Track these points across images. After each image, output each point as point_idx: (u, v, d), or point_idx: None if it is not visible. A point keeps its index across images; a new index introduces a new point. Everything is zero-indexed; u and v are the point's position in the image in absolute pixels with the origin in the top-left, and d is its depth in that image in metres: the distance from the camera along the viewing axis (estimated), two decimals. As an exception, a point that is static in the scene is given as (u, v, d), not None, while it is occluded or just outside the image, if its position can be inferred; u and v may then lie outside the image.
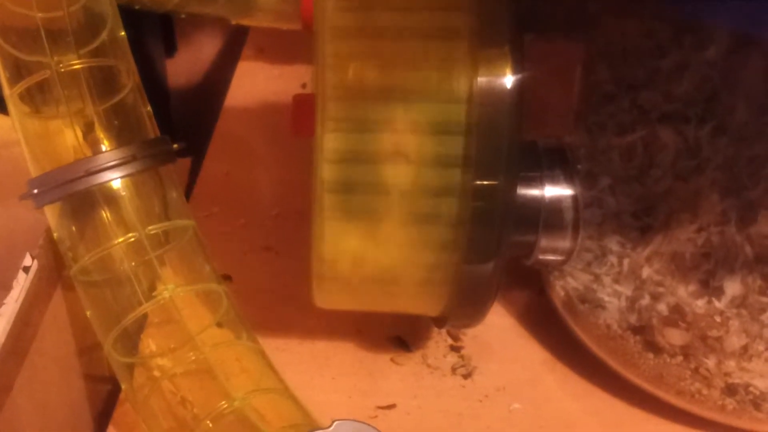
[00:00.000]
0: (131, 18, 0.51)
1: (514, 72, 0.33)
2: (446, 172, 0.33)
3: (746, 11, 0.34)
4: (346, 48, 0.34)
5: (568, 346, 0.43)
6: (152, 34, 0.63)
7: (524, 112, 0.33)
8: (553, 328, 0.44)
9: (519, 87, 0.33)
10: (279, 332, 0.44)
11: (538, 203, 0.38)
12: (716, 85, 0.42)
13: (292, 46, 0.59)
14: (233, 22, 0.54)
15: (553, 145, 0.40)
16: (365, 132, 0.33)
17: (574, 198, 0.38)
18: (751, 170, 0.41)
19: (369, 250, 0.35)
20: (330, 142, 0.33)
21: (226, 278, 0.46)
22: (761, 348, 0.38)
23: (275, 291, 0.46)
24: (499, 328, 0.45)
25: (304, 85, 0.57)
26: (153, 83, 0.63)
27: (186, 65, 0.66)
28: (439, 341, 0.45)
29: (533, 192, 0.38)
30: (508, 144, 0.33)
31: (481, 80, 0.33)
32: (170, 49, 0.66)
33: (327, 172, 0.33)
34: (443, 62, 0.33)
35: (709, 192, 0.41)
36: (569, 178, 0.38)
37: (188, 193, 0.52)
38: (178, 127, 0.63)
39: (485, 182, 0.33)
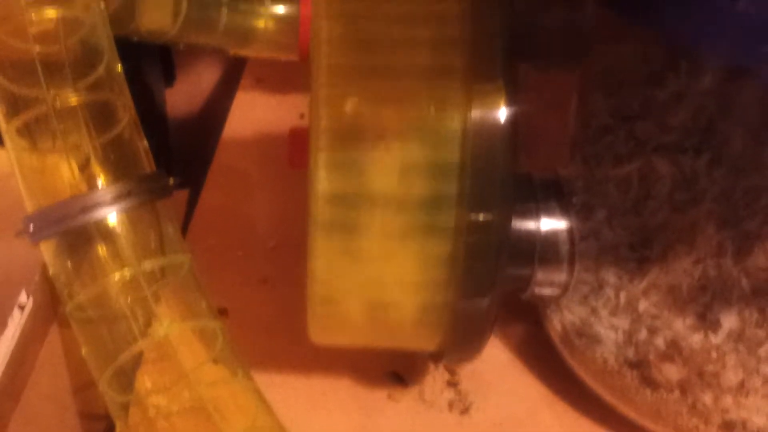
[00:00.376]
0: (130, 48, 0.51)
1: (508, 105, 0.33)
2: (441, 206, 0.33)
3: (737, 42, 0.34)
4: (340, 83, 0.34)
5: (567, 380, 0.43)
6: (151, 64, 0.63)
7: (519, 144, 0.33)
8: (551, 362, 0.44)
9: (513, 120, 0.33)
10: (275, 367, 0.44)
11: (534, 236, 0.38)
12: (712, 115, 0.43)
13: (291, 76, 0.59)
14: (231, 53, 0.54)
15: (548, 177, 0.39)
16: (359, 168, 0.33)
17: (570, 231, 0.38)
18: (747, 201, 0.41)
19: (364, 286, 0.35)
20: (323, 177, 0.33)
21: (223, 312, 0.46)
22: (758, 383, 0.38)
23: (272, 324, 0.46)
24: (497, 363, 0.45)
25: (302, 115, 0.57)
26: (152, 113, 0.63)
27: (185, 95, 0.66)
28: (436, 376, 0.44)
29: (528, 225, 0.38)
30: (502, 178, 0.33)
31: (475, 114, 0.32)
32: (169, 79, 0.66)
33: (320, 208, 0.33)
34: (437, 96, 0.33)
35: (706, 224, 0.41)
36: (564, 210, 0.38)
37: (186, 224, 0.52)
38: (177, 157, 0.63)
39: (479, 217, 0.33)
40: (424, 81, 0.34)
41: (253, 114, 0.59)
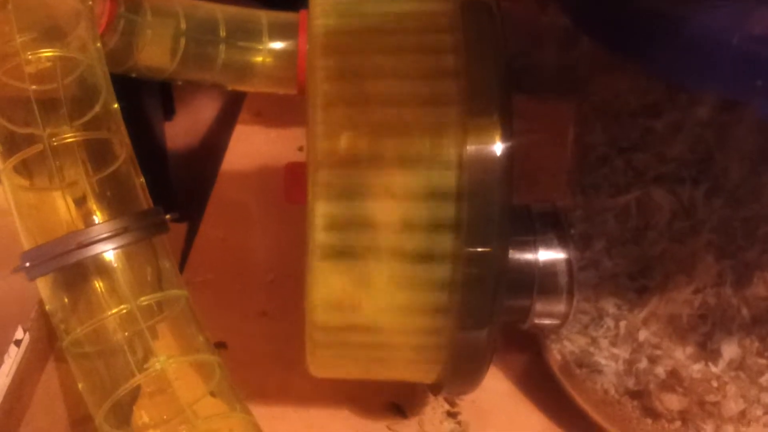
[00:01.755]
0: (130, 82, 0.52)
1: (504, 139, 0.33)
2: (438, 239, 0.33)
3: (732, 77, 0.34)
4: (337, 117, 0.34)
5: (568, 410, 0.43)
6: (151, 98, 0.64)
7: (514, 177, 0.33)
8: (552, 392, 0.44)
9: (509, 154, 0.33)
10: (274, 399, 0.44)
11: (532, 268, 0.38)
12: (710, 145, 0.43)
13: (289, 109, 0.59)
14: (229, 89, 0.55)
15: (546, 209, 0.39)
16: (356, 200, 0.33)
17: (568, 262, 0.38)
18: (745, 231, 0.41)
19: (362, 319, 0.35)
20: (321, 210, 0.33)
21: (221, 345, 0.46)
22: (759, 413, 0.38)
23: (270, 357, 0.46)
24: (497, 393, 0.45)
25: (300, 148, 0.57)
26: (152, 146, 0.63)
27: (184, 128, 0.66)
28: (435, 407, 0.44)
29: (527, 256, 0.38)
30: (499, 211, 0.33)
31: (471, 148, 0.33)
32: (169, 113, 0.66)
33: (319, 240, 0.33)
34: (433, 131, 0.33)
35: (705, 253, 0.41)
36: (563, 241, 0.38)
37: (184, 258, 0.52)
38: (176, 190, 0.63)
39: (477, 249, 0.33)
40: (420, 116, 0.34)
41: (252, 147, 0.59)
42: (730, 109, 0.42)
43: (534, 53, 0.48)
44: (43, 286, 0.36)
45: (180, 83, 0.54)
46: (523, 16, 0.48)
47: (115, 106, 0.38)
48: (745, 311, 0.40)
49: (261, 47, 0.52)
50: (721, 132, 0.42)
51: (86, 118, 0.37)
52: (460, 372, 0.37)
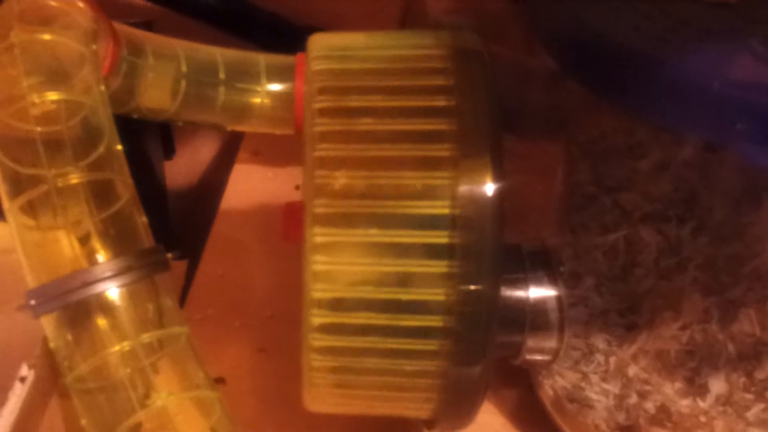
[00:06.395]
0: (132, 122, 0.53)
1: (495, 180, 0.34)
2: (431, 278, 0.34)
3: (713, 121, 0.35)
4: (332, 154, 0.35)
5: (559, 445, 0.44)
6: (151, 137, 0.65)
7: (505, 216, 0.34)
8: (544, 426, 0.44)
9: (500, 194, 0.34)
10: (272, 435, 0.45)
11: (524, 305, 0.39)
12: (694, 185, 0.44)
13: (286, 148, 0.60)
14: (228, 129, 0.56)
15: (536, 248, 0.40)
16: (352, 245, 0.34)
17: (558, 299, 0.39)
18: (730, 269, 0.42)
19: (357, 357, 0.36)
20: (317, 260, 0.34)
21: (220, 381, 0.47)
22: (746, 447, 0.39)
23: (268, 393, 0.46)
24: (491, 428, 0.45)
25: (297, 187, 0.58)
26: (152, 185, 0.64)
27: (184, 167, 0.68)
28: (430, 442, 0.45)
29: (518, 294, 0.39)
30: (491, 250, 0.34)
31: (463, 188, 0.34)
32: (169, 152, 0.67)
33: (314, 288, 0.34)
34: (426, 172, 0.34)
35: (691, 290, 0.42)
36: (553, 279, 0.39)
37: (184, 294, 0.53)
38: (176, 228, 0.64)
39: (470, 287, 0.34)
40: (413, 157, 0.35)
41: (250, 186, 0.60)
42: (713, 149, 0.43)
43: (522, 94, 0.49)
44: (47, 324, 0.37)
45: (180, 124, 0.55)
46: (511, 58, 0.49)
47: (119, 147, 0.39)
48: (731, 347, 0.40)
49: (259, 89, 0.53)
50: (704, 172, 0.43)
51: (90, 159, 0.37)
52: (454, 407, 0.38)
